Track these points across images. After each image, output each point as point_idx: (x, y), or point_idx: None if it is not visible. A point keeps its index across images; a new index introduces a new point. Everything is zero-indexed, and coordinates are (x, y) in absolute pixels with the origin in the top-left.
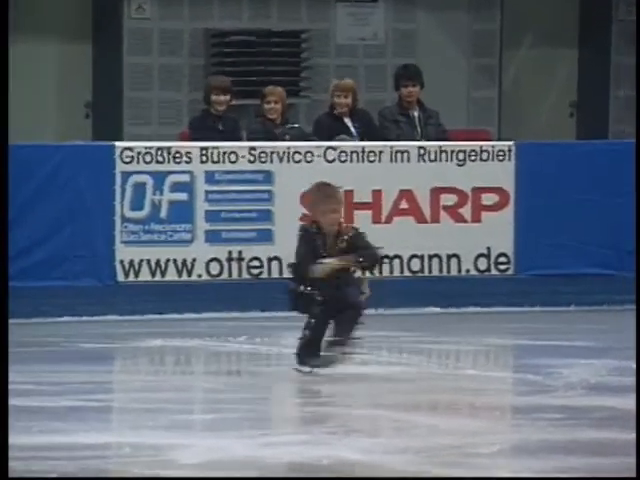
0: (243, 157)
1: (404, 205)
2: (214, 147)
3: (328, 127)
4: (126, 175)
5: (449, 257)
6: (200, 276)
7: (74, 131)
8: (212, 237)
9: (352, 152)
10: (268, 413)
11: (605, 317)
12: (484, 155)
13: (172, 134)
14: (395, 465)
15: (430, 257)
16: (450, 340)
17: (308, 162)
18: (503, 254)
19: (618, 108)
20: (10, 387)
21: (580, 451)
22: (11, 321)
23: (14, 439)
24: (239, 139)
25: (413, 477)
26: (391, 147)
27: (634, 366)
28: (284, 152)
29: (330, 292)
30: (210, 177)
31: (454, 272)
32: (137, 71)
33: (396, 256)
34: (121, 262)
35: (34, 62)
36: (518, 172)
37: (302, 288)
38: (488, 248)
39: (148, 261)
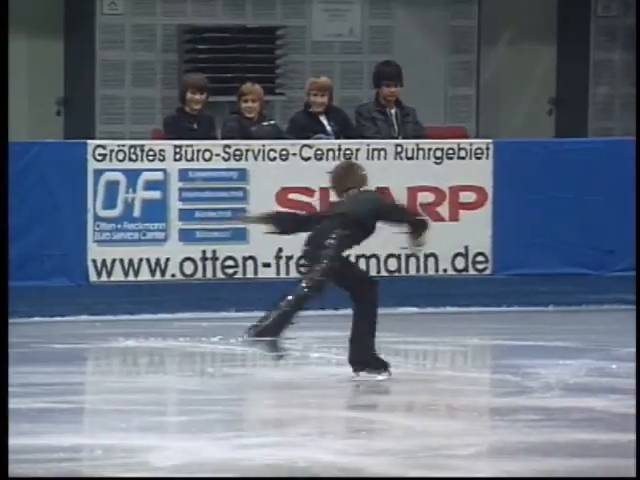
0: (217, 155)
1: None
2: (188, 145)
3: (304, 125)
4: (99, 173)
5: (426, 256)
6: (174, 276)
7: (46, 128)
8: (186, 236)
9: (328, 150)
10: (243, 415)
11: (583, 317)
12: (462, 153)
13: (145, 131)
14: (371, 467)
15: (407, 256)
16: (428, 340)
17: (283, 160)
18: (481, 253)
19: (597, 105)
20: None
21: (558, 452)
22: None
23: None
24: (214, 139)
25: (389, 478)
26: (368, 145)
27: (613, 366)
28: (259, 150)
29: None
30: (184, 175)
31: (431, 272)
32: (109, 67)
33: (373, 255)
34: (93, 261)
35: None
36: (496, 170)
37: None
38: (466, 247)
39: (121, 260)
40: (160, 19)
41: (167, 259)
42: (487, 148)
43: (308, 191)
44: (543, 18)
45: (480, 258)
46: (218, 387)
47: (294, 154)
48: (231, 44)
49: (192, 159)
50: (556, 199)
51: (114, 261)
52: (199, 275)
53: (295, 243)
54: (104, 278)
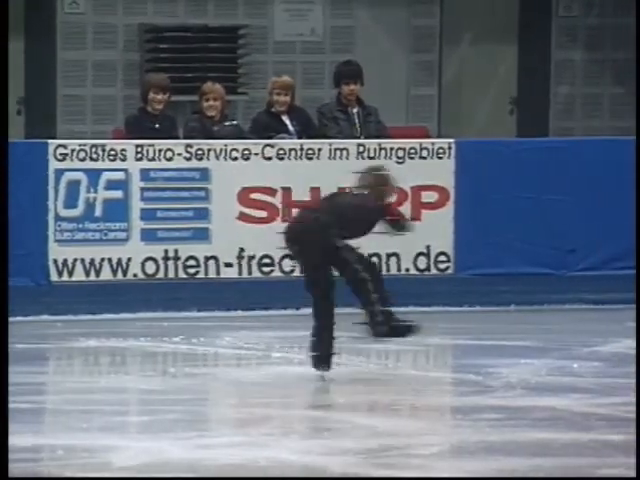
0: (179, 154)
1: None
2: (149, 144)
3: (266, 125)
4: (60, 173)
5: (388, 256)
6: (135, 275)
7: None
8: (148, 236)
9: (290, 149)
10: (205, 414)
11: (545, 317)
12: (424, 153)
13: (107, 131)
14: (334, 466)
15: (369, 256)
16: (390, 340)
17: (246, 160)
18: (443, 253)
19: (558, 105)
20: None
21: (519, 452)
22: None
23: None
24: (176, 138)
25: (351, 477)
26: (330, 144)
27: (574, 365)
28: (221, 149)
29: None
30: (146, 175)
31: (393, 271)
32: (71, 67)
33: None
34: (55, 261)
35: None
36: (458, 170)
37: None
38: (428, 247)
39: (82, 260)
40: (121, 18)
41: (129, 259)
42: (449, 148)
43: (270, 191)
44: (504, 18)
45: (442, 258)
46: (180, 387)
47: (256, 154)
48: (193, 43)
49: (154, 159)
50: (518, 199)
51: (75, 261)
52: (161, 275)
53: (257, 243)
54: (65, 278)
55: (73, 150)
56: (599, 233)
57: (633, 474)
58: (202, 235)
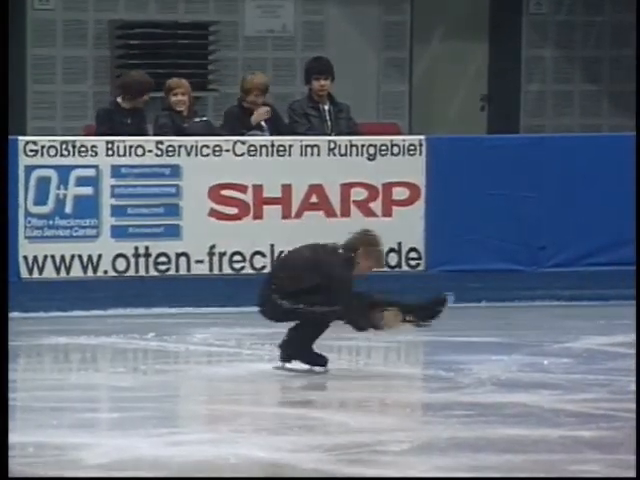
0: (150, 151)
1: (314, 200)
2: (120, 141)
3: (239, 119)
4: (30, 169)
5: None
6: (106, 272)
7: None
8: (118, 232)
9: (261, 146)
10: (175, 411)
11: (516, 313)
12: (395, 149)
13: (77, 127)
14: (304, 463)
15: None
16: (360, 336)
17: (217, 156)
18: (414, 249)
19: (529, 102)
20: None
21: (490, 448)
22: None
23: None
24: (145, 132)
25: (323, 478)
26: (301, 141)
27: (544, 362)
28: (192, 146)
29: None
30: (116, 171)
31: None
32: (41, 63)
33: None
34: (25, 258)
35: None
36: (429, 166)
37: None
38: (399, 243)
39: (52, 257)
40: (91, 14)
41: (99, 255)
42: (420, 144)
43: (241, 187)
44: (475, 15)
45: (413, 254)
46: (151, 384)
47: (227, 150)
48: (163, 40)
49: (124, 155)
50: (488, 195)
51: (45, 258)
52: (131, 272)
53: (228, 240)
54: (35, 275)
55: (43, 147)
56: (570, 230)
57: (603, 471)
58: (173, 232)
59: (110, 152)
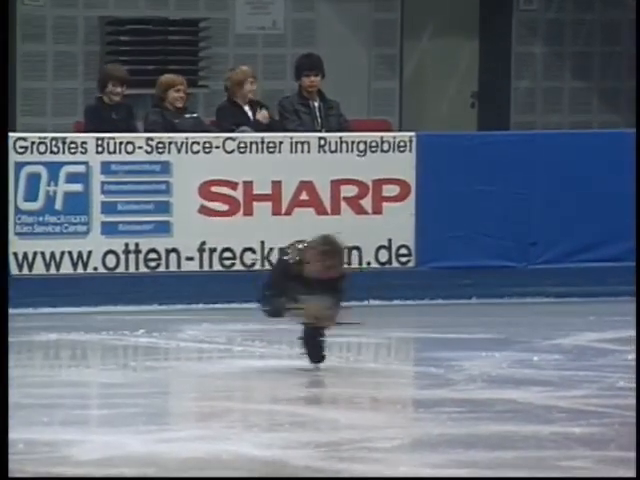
0: (140, 148)
1: (304, 196)
2: (110, 137)
3: (231, 114)
4: (20, 166)
5: (350, 249)
6: (96, 269)
7: None
8: (108, 229)
9: (251, 143)
10: (166, 408)
11: (506, 309)
12: (385, 146)
13: (67, 124)
14: (295, 460)
15: None
16: (351, 333)
17: (207, 153)
18: (404, 246)
19: (519, 98)
20: None
21: (481, 445)
22: None
23: None
24: (134, 127)
25: (313, 478)
26: (291, 138)
27: (535, 358)
28: (182, 143)
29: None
30: (106, 168)
31: (355, 264)
32: (31, 59)
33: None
34: (15, 255)
35: None
36: (419, 163)
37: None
38: (389, 240)
39: (42, 254)
40: (82, 11)
41: (89, 252)
42: (410, 141)
43: (231, 184)
44: (465, 12)
45: (403, 251)
46: (141, 380)
47: (217, 147)
48: (154, 36)
49: (114, 152)
50: (479, 192)
51: (35, 254)
52: (122, 268)
53: (218, 237)
54: (25, 271)
55: (33, 143)
56: (560, 226)
57: (593, 467)
58: (163, 228)
59: (100, 149)
